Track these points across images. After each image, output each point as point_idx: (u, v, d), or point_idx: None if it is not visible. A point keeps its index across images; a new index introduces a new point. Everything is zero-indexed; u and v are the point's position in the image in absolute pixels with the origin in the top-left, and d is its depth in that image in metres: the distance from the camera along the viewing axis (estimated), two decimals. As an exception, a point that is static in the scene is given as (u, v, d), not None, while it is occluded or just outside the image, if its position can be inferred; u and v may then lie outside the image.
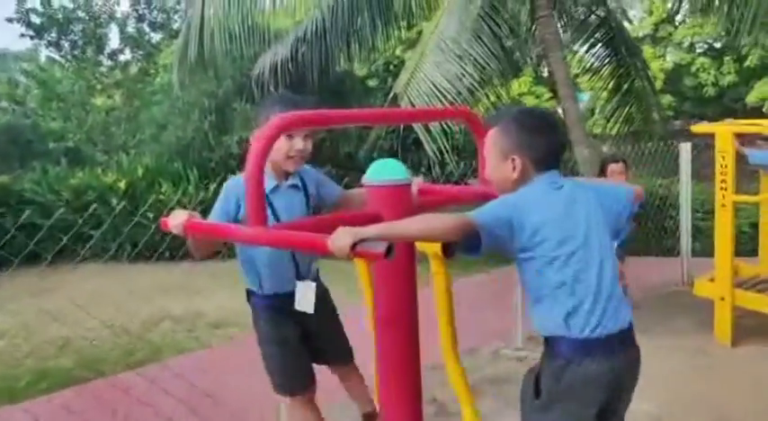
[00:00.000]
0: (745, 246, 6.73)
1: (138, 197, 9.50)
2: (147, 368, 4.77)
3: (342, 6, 8.99)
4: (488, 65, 7.99)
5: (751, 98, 21.71)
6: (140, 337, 5.63)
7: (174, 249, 7.36)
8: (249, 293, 2.64)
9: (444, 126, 7.67)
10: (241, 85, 10.37)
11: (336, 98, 10.37)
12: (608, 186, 2.12)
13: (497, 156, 1.97)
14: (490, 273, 7.31)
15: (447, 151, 7.72)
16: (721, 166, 4.47)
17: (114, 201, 9.16)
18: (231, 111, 10.52)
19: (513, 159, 1.93)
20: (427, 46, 8.21)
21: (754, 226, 6.55)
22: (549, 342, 1.90)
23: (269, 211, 2.45)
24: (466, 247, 1.75)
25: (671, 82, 23.61)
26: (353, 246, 1.48)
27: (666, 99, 21.62)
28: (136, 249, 7.51)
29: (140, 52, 16.18)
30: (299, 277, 2.52)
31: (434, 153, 7.72)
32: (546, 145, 1.95)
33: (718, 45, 23.38)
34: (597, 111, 20.64)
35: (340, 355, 2.78)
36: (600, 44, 10.09)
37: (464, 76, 7.69)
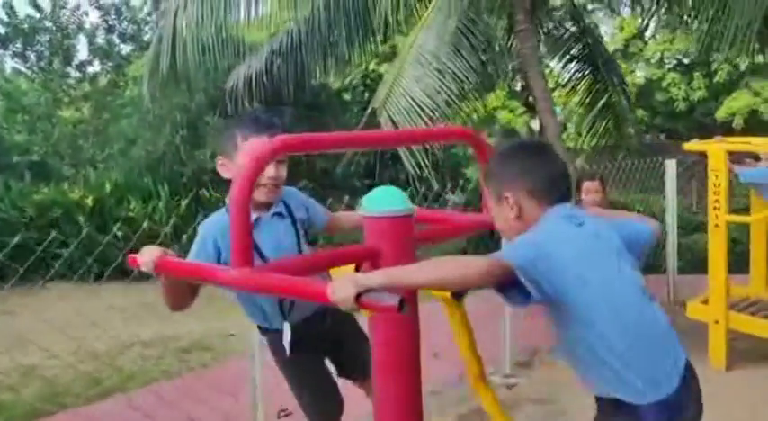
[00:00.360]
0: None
1: (107, 214, 9.17)
2: (112, 400, 4.48)
3: (318, 19, 8.82)
4: (467, 79, 7.88)
5: (720, 113, 21.99)
6: (108, 364, 5.33)
7: (143, 269, 7.04)
8: (260, 329, 2.48)
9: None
10: (214, 99, 10.12)
11: (312, 112, 10.17)
12: (628, 223, 1.90)
13: (492, 200, 1.80)
14: (475, 294, 7.10)
15: (427, 166, 7.56)
16: (714, 186, 4.36)
17: (81, 219, 8.81)
18: (204, 125, 10.25)
19: (507, 198, 1.75)
20: (406, 60, 8.06)
21: (734, 241, 6.47)
22: (624, 408, 1.68)
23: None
24: (510, 298, 1.57)
25: (642, 97, 23.86)
26: (358, 296, 1.28)
27: (638, 113, 21.82)
28: (104, 269, 7.19)
29: (110, 64, 15.78)
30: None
31: (414, 168, 7.55)
32: (542, 173, 1.75)
33: (686, 61, 23.71)
34: (570, 125, 20.77)
35: (364, 370, 2.61)
36: (577, 59, 10.07)
37: (443, 90, 7.56)
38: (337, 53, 9.34)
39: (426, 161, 7.50)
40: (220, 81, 9.80)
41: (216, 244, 2.11)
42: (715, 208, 4.37)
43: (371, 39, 9.30)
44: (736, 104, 21.46)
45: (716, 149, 4.37)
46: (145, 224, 6.11)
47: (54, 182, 10.67)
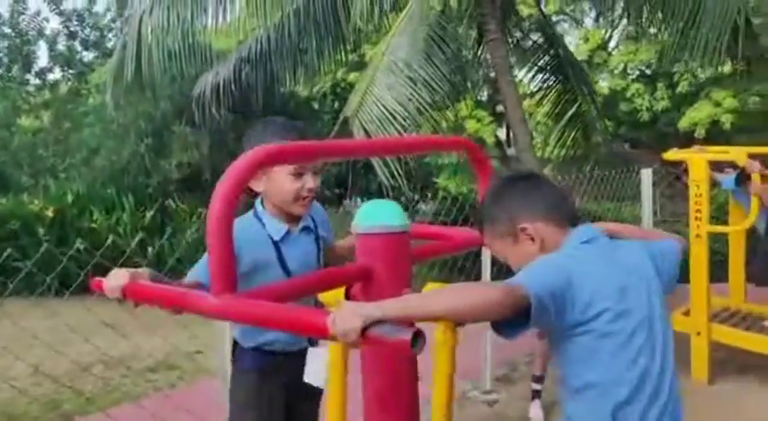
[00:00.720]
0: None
1: (68, 226, 8.82)
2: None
3: (288, 27, 8.67)
4: (440, 87, 7.81)
5: (683, 123, 22.37)
6: (67, 386, 5.05)
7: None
8: (235, 346, 2.24)
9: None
10: (180, 106, 9.86)
11: (282, 121, 9.99)
12: (657, 243, 1.71)
13: (503, 241, 1.64)
14: None
15: (400, 175, 7.43)
16: (696, 196, 4.31)
17: (41, 231, 8.46)
18: (170, 134, 9.97)
19: (525, 229, 1.59)
20: (378, 68, 7.95)
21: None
22: None
23: (278, 265, 2.07)
24: (507, 325, 1.36)
25: (607, 107, 24.19)
26: (364, 329, 1.11)
27: (603, 123, 22.07)
28: (65, 284, 6.88)
29: (71, 71, 15.34)
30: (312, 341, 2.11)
31: (387, 178, 7.41)
32: (549, 196, 1.64)
33: (649, 72, 24.11)
34: (536, 134, 20.91)
35: None
36: (546, 69, 10.09)
37: (414, 98, 7.46)
38: (307, 61, 9.21)
39: (400, 170, 7.39)
40: (187, 88, 9.55)
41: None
42: (696, 218, 4.32)
43: (341, 47, 9.19)
44: (698, 115, 21.83)
45: (697, 159, 4.33)
46: (109, 237, 5.87)
47: (12, 192, 10.28)
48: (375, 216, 1.54)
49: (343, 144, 1.71)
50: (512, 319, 1.33)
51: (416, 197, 9.16)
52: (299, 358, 2.10)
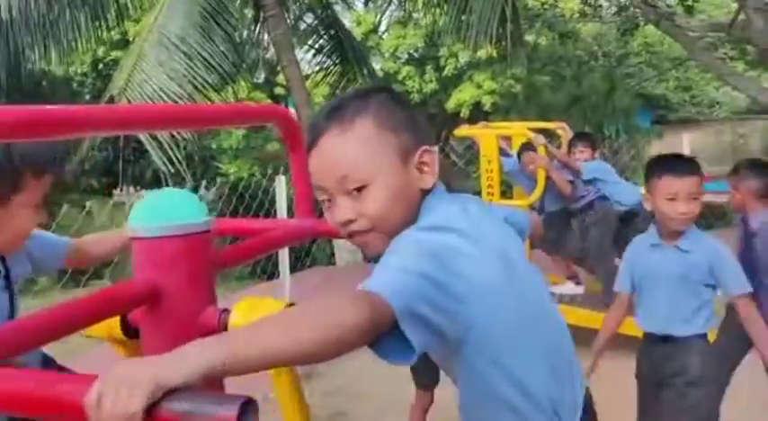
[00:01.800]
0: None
1: None
2: None
3: (34, -6, 7.50)
4: (220, 66, 7.27)
5: (450, 104, 23.80)
6: None
7: None
8: None
9: (174, 131, 6.72)
10: None
11: (34, 101, 8.70)
12: (509, 209, 1.37)
13: (385, 159, 1.10)
14: (273, 282, 6.30)
15: (180, 162, 6.77)
16: (487, 172, 4.35)
17: None
18: None
19: (426, 151, 1.12)
20: (147, 42, 7.17)
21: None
22: None
23: None
24: (385, 348, 0.92)
25: (382, 89, 25.01)
26: (151, 408, 0.67)
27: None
28: None
29: None
30: None
31: (165, 164, 6.71)
32: (419, 119, 1.16)
33: (417, 55, 25.30)
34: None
35: None
36: (325, 50, 9.95)
37: (191, 75, 6.85)
38: (59, 36, 8.06)
39: (179, 155, 6.74)
40: None
41: None
42: (489, 193, 4.38)
43: (101, 22, 8.18)
44: (462, 96, 23.36)
45: (488, 135, 4.37)
46: None
47: None
48: (161, 212, 1.11)
49: (104, 112, 1.14)
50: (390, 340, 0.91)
51: (198, 185, 8.51)
52: None
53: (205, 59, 7.03)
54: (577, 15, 17.66)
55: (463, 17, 7.55)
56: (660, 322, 2.32)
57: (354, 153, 1.09)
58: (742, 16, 8.78)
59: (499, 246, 1.11)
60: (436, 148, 1.15)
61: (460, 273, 1.00)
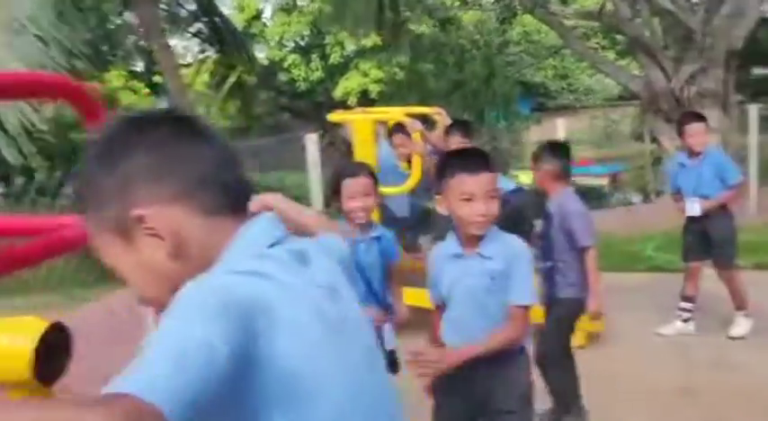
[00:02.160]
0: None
1: None
2: None
3: None
4: (82, 53, 6.76)
5: (337, 93, 23.69)
6: None
7: None
8: None
9: (27, 122, 6.13)
10: None
11: None
12: (325, 240, 1.10)
13: (104, 234, 0.90)
14: (102, 300, 5.63)
15: (33, 155, 6.21)
16: (362, 158, 4.23)
17: None
18: None
19: (142, 218, 0.87)
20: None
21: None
22: None
23: None
24: None
25: (266, 78, 24.50)
26: None
27: (263, 94, 22.29)
28: None
29: None
30: None
31: (15, 158, 6.13)
32: (200, 159, 0.91)
33: (303, 43, 25.00)
34: (202, 108, 20.25)
35: None
36: (201, 36, 9.59)
37: (47, 61, 6.30)
38: None
39: (33, 148, 6.20)
40: None
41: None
42: (367, 180, 4.26)
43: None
44: (349, 84, 23.31)
45: (362, 120, 4.26)
46: None
47: None
48: None
49: None
50: None
51: None
52: None
53: (62, 44, 6.50)
54: (458, 3, 18.02)
55: (345, 4, 7.44)
56: (470, 336, 2.12)
57: None
58: (610, 6, 9.20)
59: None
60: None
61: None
